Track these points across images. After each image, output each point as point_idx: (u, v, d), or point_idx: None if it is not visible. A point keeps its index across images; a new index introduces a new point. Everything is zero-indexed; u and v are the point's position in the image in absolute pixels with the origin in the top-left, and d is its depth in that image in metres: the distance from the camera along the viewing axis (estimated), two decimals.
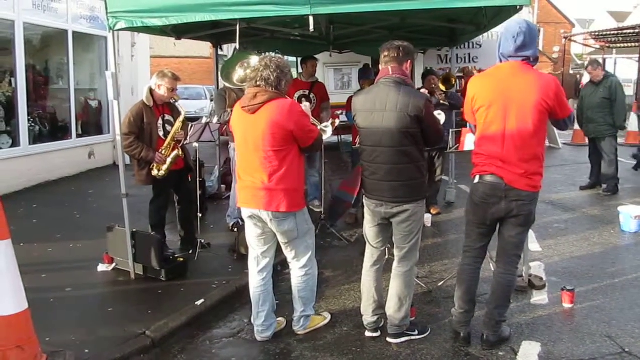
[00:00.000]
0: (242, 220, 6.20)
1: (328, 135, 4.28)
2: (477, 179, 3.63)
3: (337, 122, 5.23)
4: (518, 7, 4.23)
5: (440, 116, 4.09)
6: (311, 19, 4.13)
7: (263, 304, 3.92)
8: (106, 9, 4.40)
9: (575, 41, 26.66)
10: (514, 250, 3.69)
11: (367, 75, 7.71)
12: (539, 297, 4.55)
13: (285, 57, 10.00)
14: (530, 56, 3.48)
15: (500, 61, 3.58)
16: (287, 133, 3.55)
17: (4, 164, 7.82)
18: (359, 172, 3.94)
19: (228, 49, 11.23)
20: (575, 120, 13.78)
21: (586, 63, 10.41)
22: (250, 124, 3.62)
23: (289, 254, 3.92)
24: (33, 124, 8.64)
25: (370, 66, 10.54)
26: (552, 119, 3.50)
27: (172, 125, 5.22)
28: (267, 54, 9.24)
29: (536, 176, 3.49)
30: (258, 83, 3.58)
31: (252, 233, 3.90)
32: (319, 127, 4.24)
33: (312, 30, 4.15)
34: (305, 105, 3.99)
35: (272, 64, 3.57)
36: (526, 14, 4.14)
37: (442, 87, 6.98)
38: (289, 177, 3.63)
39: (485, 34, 6.90)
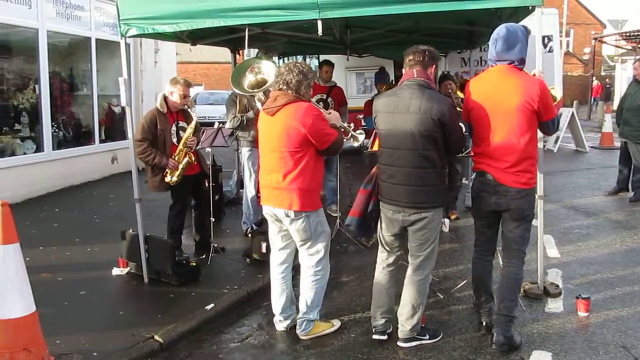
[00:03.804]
0: (256, 226, 6.29)
1: (360, 142, 4.34)
2: (474, 175, 3.91)
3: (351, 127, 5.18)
4: (530, 7, 4.15)
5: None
6: (319, 23, 4.14)
7: (281, 295, 4.07)
8: (118, 16, 4.47)
9: (605, 42, 26.13)
10: (515, 245, 3.77)
11: (384, 79, 7.68)
12: (554, 305, 4.44)
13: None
14: (514, 60, 3.61)
15: (490, 66, 3.75)
16: (302, 135, 3.67)
17: (28, 169, 7.97)
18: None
19: (250, 54, 11.31)
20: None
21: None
22: (269, 126, 3.81)
23: (301, 253, 4.00)
24: (57, 130, 8.79)
25: (392, 69, 10.49)
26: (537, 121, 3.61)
27: (185, 131, 5.25)
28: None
29: (525, 174, 3.61)
30: (280, 86, 3.77)
31: (272, 230, 4.08)
32: (351, 133, 4.31)
33: (321, 34, 4.16)
34: (335, 114, 4.07)
35: (295, 69, 3.75)
36: (541, 15, 3.95)
37: (460, 94, 6.84)
38: (303, 178, 3.73)
39: None
